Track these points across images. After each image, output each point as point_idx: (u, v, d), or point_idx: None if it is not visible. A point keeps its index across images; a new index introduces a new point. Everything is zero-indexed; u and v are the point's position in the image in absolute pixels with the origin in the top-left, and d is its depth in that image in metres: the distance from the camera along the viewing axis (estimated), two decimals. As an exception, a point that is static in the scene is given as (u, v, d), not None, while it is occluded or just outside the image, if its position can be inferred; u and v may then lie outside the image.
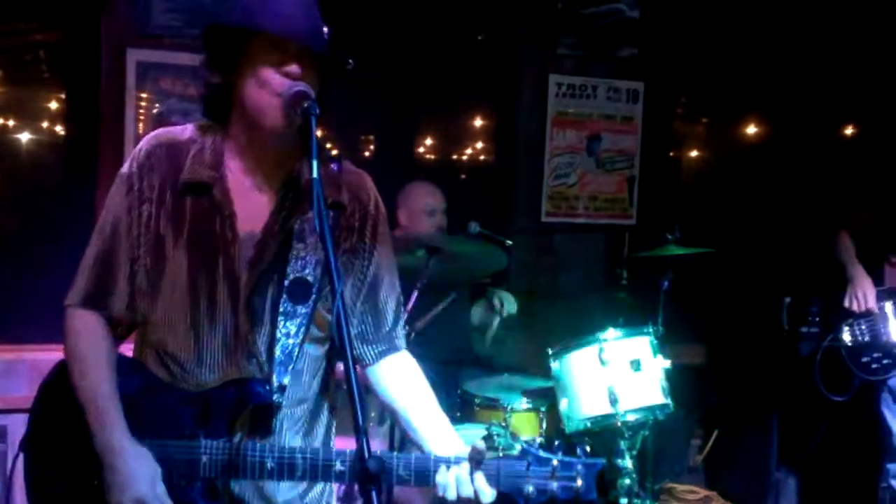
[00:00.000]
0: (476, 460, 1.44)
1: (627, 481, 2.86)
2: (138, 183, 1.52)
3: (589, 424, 2.85)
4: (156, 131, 1.60)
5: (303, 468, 1.43)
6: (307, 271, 1.51)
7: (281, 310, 1.49)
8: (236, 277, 1.50)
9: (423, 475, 1.44)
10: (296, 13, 1.46)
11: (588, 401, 2.85)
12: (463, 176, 4.81)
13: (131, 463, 1.44)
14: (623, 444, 2.87)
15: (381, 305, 1.62)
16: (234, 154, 1.54)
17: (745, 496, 3.89)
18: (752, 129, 4.88)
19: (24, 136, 3.97)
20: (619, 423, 2.83)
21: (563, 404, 2.89)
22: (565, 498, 1.45)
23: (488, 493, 1.43)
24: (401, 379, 1.63)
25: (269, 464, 1.44)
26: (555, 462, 1.44)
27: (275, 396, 1.49)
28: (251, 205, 1.52)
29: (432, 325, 3.04)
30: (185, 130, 1.58)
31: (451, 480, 1.43)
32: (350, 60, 1.54)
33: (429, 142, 4.78)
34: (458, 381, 3.29)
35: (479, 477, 1.43)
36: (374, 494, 1.06)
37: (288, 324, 1.50)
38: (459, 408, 3.13)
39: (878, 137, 4.31)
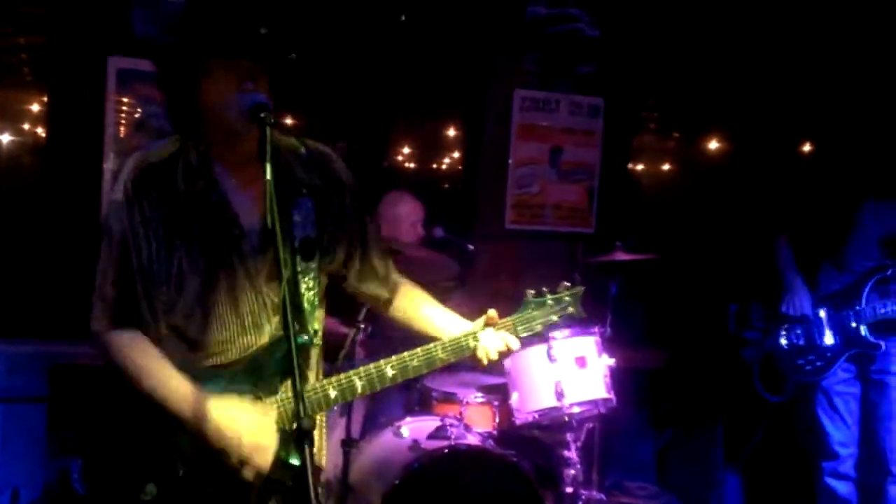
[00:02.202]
0: (493, 323, 1.82)
1: (573, 471, 3.03)
2: (137, 205, 1.62)
3: (537, 417, 3.02)
4: (137, 154, 1.69)
5: (361, 385, 1.72)
6: (308, 230, 1.71)
7: (298, 269, 1.69)
8: (250, 265, 1.67)
9: (460, 349, 1.81)
10: (240, 30, 1.62)
11: (537, 395, 3.02)
12: (439, 185, 5.00)
13: (236, 423, 1.58)
14: (569, 437, 3.04)
15: (374, 264, 1.88)
16: (217, 158, 1.70)
17: (692, 492, 4.08)
18: (706, 143, 5.12)
19: (5, 138, 4.10)
20: (565, 416, 3.01)
21: (514, 398, 3.06)
22: (566, 324, 1.94)
23: (514, 343, 1.84)
24: (407, 307, 1.92)
25: (333, 393, 1.70)
26: (549, 301, 1.90)
27: (315, 340, 1.73)
28: (244, 200, 1.69)
29: (394, 328, 3.21)
30: (165, 146, 1.69)
31: (485, 344, 1.79)
32: (292, 54, 1.74)
33: (400, 150, 4.97)
34: (418, 380, 3.44)
35: (502, 333, 1.82)
36: (307, 448, 1.23)
37: (307, 279, 1.71)
38: (417, 401, 3.30)
39: (823, 151, 4.55)
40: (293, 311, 1.60)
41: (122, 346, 1.63)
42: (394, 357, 1.77)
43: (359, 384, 1.72)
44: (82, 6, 3.73)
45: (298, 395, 1.25)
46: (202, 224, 1.65)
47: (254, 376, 1.67)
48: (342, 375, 1.73)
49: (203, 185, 1.65)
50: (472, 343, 1.81)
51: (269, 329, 1.68)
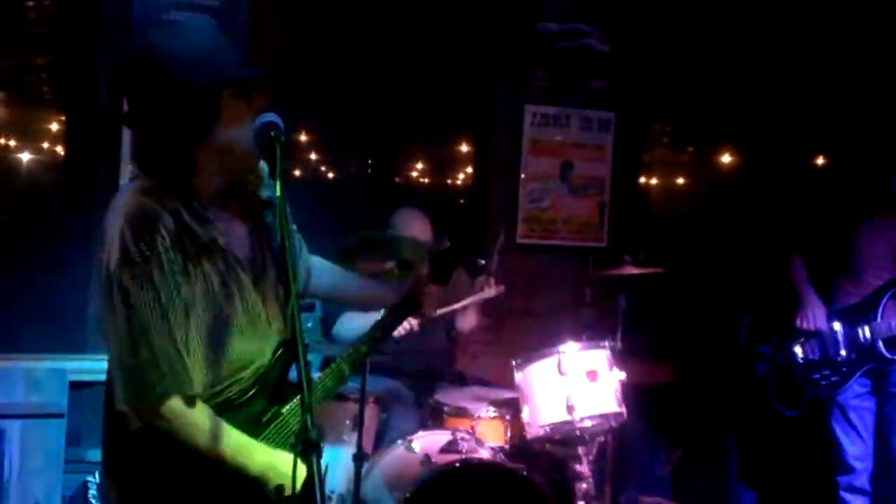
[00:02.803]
0: (422, 278, 2.18)
1: (585, 486, 3.03)
2: (157, 265, 1.54)
3: (548, 430, 3.02)
4: (127, 211, 1.57)
5: (347, 368, 2.00)
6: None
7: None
8: (256, 295, 1.68)
9: (410, 308, 2.17)
10: (235, 55, 1.63)
11: (547, 409, 3.03)
12: (445, 198, 5.04)
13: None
14: (581, 451, 3.04)
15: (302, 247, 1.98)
16: (207, 199, 1.65)
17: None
18: (718, 156, 5.13)
19: (25, 156, 4.19)
20: (576, 430, 3.01)
21: (525, 412, 3.07)
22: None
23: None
24: (325, 280, 2.06)
25: (329, 383, 1.94)
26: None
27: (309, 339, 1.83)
28: (237, 233, 1.70)
29: (408, 340, 3.26)
30: (146, 198, 1.58)
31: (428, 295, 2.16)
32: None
33: (413, 166, 5.02)
34: (430, 394, 3.46)
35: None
36: (315, 459, 1.25)
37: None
38: (429, 416, 3.31)
39: (836, 164, 4.54)
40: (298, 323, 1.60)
41: (181, 412, 1.55)
42: (363, 336, 2.05)
43: (345, 368, 1.96)
44: (97, 26, 3.80)
45: (306, 407, 1.27)
46: (216, 273, 1.63)
47: (264, 391, 1.69)
48: (333, 364, 1.94)
49: (210, 235, 1.62)
50: (415, 300, 2.12)
51: (273, 343, 1.70)
